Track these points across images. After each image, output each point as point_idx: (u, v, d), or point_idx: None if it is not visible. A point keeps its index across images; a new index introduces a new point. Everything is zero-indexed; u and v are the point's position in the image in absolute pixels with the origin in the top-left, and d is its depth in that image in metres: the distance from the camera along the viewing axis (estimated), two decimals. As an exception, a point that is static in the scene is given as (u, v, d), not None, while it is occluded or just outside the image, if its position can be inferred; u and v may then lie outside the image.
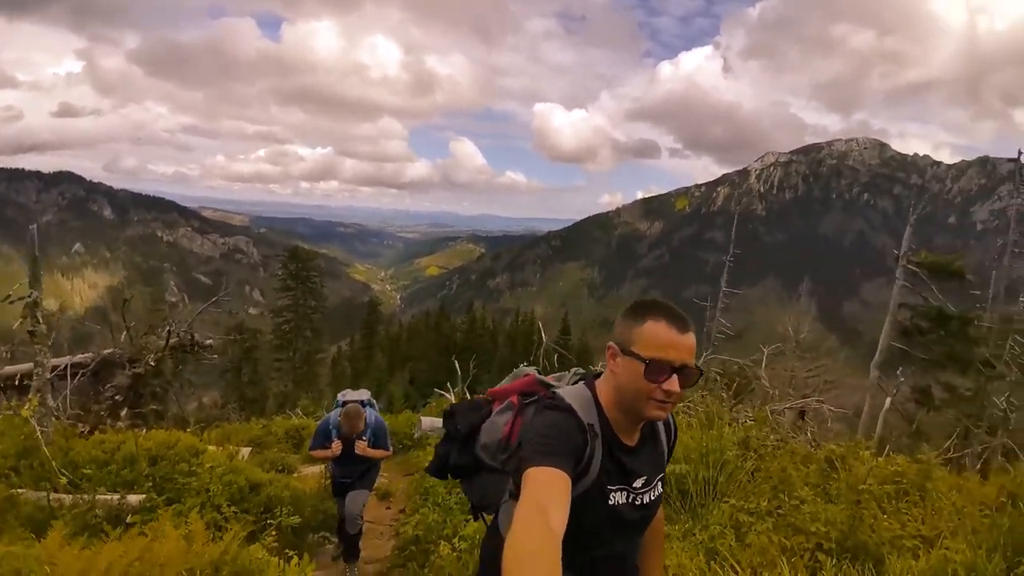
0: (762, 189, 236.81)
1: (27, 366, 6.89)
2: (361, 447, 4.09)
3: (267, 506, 4.13)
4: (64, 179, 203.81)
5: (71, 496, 3.83)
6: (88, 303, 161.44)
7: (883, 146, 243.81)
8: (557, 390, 1.38)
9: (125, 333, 7.92)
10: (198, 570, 1.90)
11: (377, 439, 4.20)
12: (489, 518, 1.55)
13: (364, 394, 4.36)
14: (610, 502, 1.31)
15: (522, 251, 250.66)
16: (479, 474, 1.51)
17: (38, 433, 3.88)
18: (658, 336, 1.23)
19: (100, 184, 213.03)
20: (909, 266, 10.47)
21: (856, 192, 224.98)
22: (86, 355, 7.41)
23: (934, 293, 10.22)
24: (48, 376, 4.90)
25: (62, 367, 6.87)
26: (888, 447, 8.99)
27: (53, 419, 5.15)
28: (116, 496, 3.81)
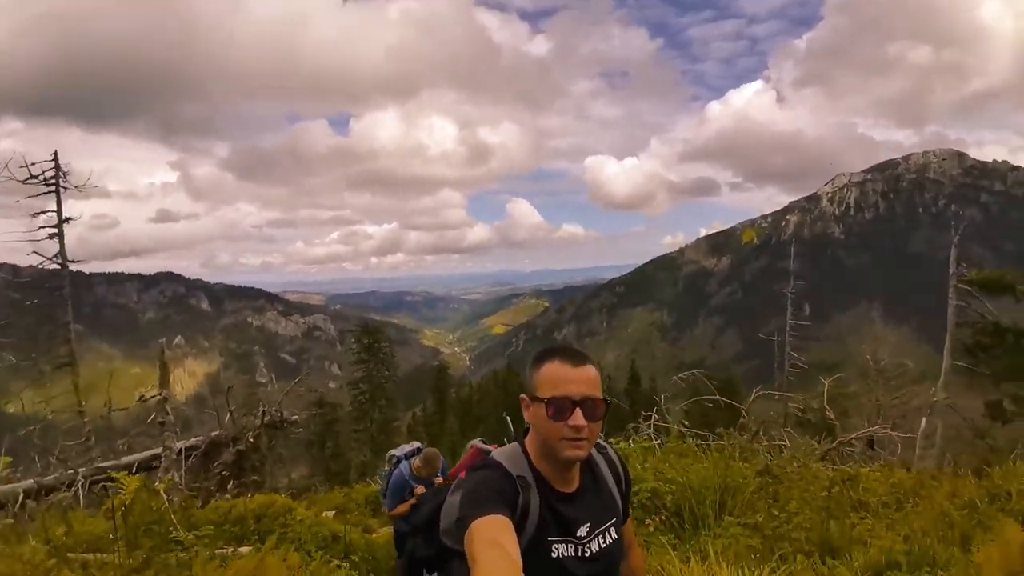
0: (837, 211, 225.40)
1: (143, 455, 8.33)
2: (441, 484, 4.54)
3: (346, 552, 4.97)
4: (164, 279, 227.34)
5: (194, 551, 4.84)
6: (188, 391, 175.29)
7: (962, 155, 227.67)
8: (491, 453, 1.40)
9: (229, 416, 9.33)
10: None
11: (447, 477, 4.54)
12: None
13: (415, 444, 4.58)
14: (553, 555, 1.29)
15: (586, 301, 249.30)
16: (450, 562, 1.41)
17: (166, 503, 4.97)
18: (554, 375, 1.27)
19: (198, 280, 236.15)
20: (961, 285, 10.26)
21: (943, 204, 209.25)
22: (197, 438, 8.81)
23: (989, 309, 9.92)
24: (174, 457, 6.13)
25: (178, 450, 8.24)
26: (956, 465, 8.66)
27: (178, 491, 6.31)
28: (230, 549, 4.80)
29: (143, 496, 5.68)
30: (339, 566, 4.13)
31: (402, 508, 4.22)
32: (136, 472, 7.74)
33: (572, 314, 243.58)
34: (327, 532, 5.11)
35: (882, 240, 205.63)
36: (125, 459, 8.01)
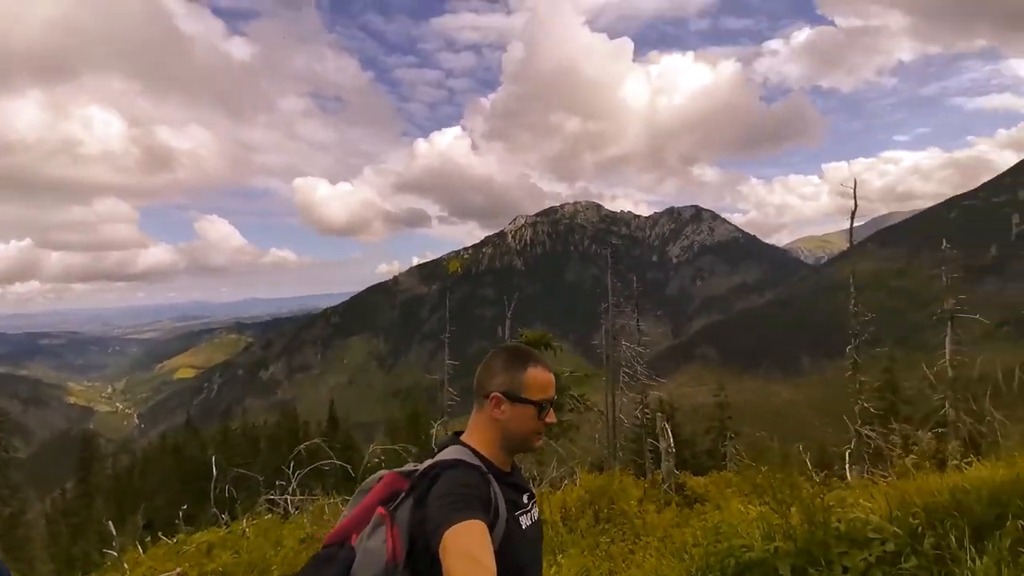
0: (518, 247, 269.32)
1: None
2: None
3: None
4: None
5: None
6: None
7: (599, 207, 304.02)
8: (440, 456, 1.42)
9: None
10: None
11: None
12: None
13: None
14: (523, 528, 1.43)
15: (297, 333, 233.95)
16: None
17: None
18: (539, 380, 1.47)
19: None
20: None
21: (587, 244, 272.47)
22: None
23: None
24: None
25: None
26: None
27: None
28: None
29: None
30: None
31: None
32: None
33: (282, 348, 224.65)
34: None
35: (548, 272, 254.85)
36: None
